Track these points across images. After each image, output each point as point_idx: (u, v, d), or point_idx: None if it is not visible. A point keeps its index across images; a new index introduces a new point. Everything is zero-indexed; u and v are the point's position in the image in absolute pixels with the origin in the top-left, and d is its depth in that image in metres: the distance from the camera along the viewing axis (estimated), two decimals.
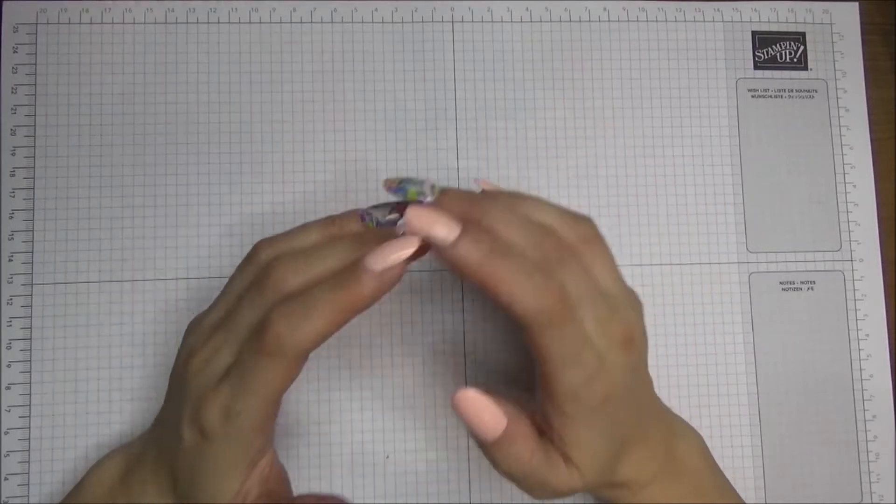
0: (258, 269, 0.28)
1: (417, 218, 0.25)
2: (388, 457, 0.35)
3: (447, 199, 0.27)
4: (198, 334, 0.28)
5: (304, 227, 0.29)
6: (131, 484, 0.30)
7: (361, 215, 0.28)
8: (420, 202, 0.28)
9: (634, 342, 0.27)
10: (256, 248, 0.29)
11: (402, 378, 0.36)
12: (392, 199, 0.29)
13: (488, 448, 0.27)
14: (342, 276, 0.25)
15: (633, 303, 0.28)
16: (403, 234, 0.26)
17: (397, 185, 0.29)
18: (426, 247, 0.26)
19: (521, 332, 0.26)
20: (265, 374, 0.25)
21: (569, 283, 0.25)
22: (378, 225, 0.28)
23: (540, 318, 0.24)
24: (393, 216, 0.28)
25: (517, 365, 0.36)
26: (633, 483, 0.29)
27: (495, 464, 0.27)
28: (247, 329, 0.26)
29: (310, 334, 0.25)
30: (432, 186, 0.28)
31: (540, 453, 0.27)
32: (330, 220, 0.29)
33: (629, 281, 0.37)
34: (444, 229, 0.25)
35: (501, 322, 0.36)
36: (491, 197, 0.28)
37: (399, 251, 0.25)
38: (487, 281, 0.24)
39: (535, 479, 0.27)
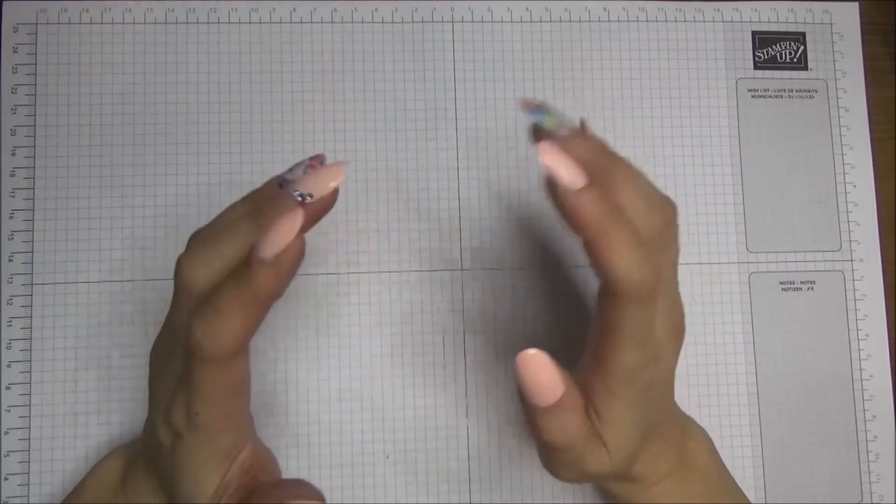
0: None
1: (549, 154, 0.24)
2: (388, 457, 0.35)
3: (578, 144, 0.26)
4: (157, 340, 0.29)
5: (230, 207, 0.28)
6: (129, 484, 0.30)
7: (279, 182, 0.26)
8: (552, 135, 0.26)
9: (682, 336, 0.27)
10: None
11: (401, 378, 0.36)
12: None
13: (538, 414, 0.26)
14: (239, 271, 0.24)
15: (680, 298, 0.28)
16: (299, 197, 0.25)
17: (536, 107, 0.27)
18: (325, 205, 0.25)
19: (602, 299, 0.25)
20: (204, 378, 0.25)
21: (662, 267, 0.25)
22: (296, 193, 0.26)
23: (633, 293, 0.24)
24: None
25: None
26: (645, 479, 0.29)
27: (540, 432, 0.26)
28: (182, 337, 0.26)
29: (225, 337, 0.24)
30: (571, 123, 0.27)
31: (585, 428, 0.26)
32: (252, 194, 0.27)
33: None
34: (571, 174, 0.24)
35: (501, 322, 0.36)
36: (616, 157, 0.27)
37: (285, 231, 0.24)
38: (599, 240, 0.24)
39: (573, 455, 0.27)
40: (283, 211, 0.24)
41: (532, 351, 0.26)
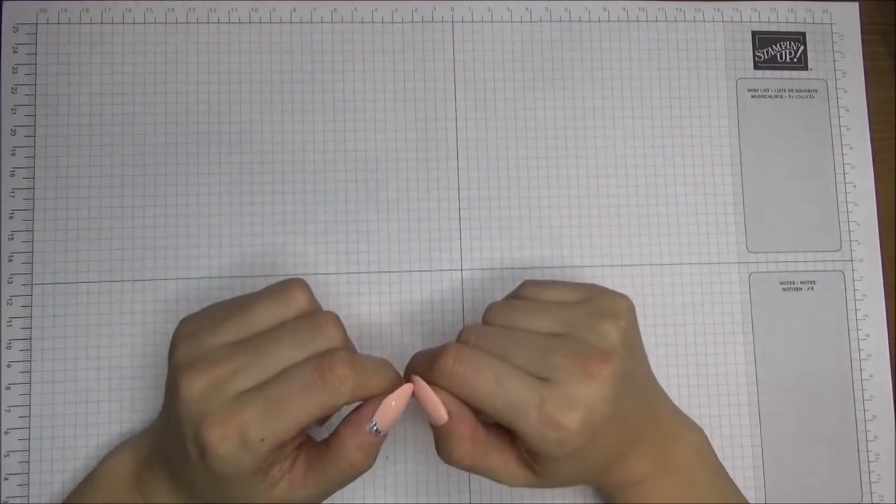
0: (313, 335, 0.28)
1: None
2: (387, 457, 0.35)
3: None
4: (203, 350, 0.27)
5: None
6: (145, 482, 0.30)
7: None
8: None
9: (602, 376, 0.27)
10: (292, 285, 0.29)
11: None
12: None
13: (433, 428, 0.29)
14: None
15: (599, 325, 0.29)
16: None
17: None
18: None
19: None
20: (308, 406, 0.26)
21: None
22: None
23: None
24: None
25: None
26: (621, 484, 0.30)
27: (436, 444, 0.29)
28: (283, 365, 0.26)
29: (372, 384, 0.27)
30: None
31: (473, 454, 0.28)
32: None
33: (630, 281, 0.37)
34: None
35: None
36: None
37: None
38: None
39: (480, 472, 0.29)
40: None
41: (417, 379, 0.28)
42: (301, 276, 0.35)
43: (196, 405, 0.26)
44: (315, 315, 0.28)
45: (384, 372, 0.28)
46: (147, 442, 0.31)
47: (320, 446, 0.28)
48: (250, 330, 0.27)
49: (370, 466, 0.28)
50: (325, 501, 0.29)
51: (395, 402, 0.27)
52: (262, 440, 0.25)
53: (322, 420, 0.31)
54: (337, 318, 0.28)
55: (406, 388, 0.28)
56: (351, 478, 0.28)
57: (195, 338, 0.28)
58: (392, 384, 0.28)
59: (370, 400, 0.28)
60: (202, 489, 0.27)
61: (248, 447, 0.25)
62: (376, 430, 0.27)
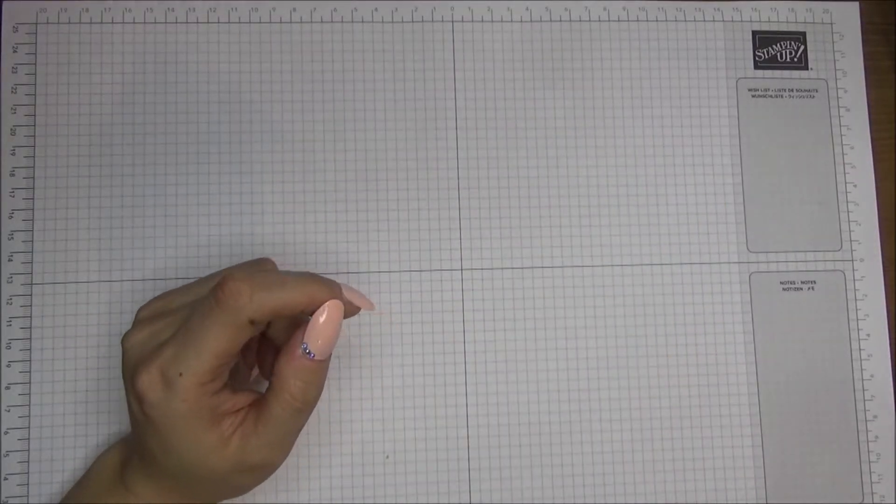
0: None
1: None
2: (387, 457, 0.35)
3: None
4: (143, 318, 0.29)
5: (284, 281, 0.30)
6: (128, 475, 0.30)
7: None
8: None
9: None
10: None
11: (401, 378, 0.36)
12: None
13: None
14: (317, 280, 0.28)
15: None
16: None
17: None
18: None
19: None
20: (216, 333, 0.26)
21: None
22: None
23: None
24: None
25: (516, 364, 0.36)
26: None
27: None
28: (189, 309, 0.28)
29: (271, 299, 0.27)
30: None
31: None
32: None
33: (630, 281, 0.37)
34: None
35: (501, 322, 0.36)
36: None
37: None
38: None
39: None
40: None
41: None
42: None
43: (128, 358, 0.28)
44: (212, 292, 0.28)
45: (294, 283, 0.27)
46: (131, 437, 0.31)
47: (264, 393, 0.29)
48: (175, 300, 0.29)
49: (316, 398, 0.28)
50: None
51: (323, 318, 0.27)
52: (181, 375, 0.26)
53: (249, 358, 0.32)
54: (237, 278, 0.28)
55: (334, 304, 0.28)
56: (300, 414, 0.28)
57: (143, 311, 0.30)
58: (310, 296, 0.27)
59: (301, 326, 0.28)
60: (160, 457, 0.28)
61: (170, 386, 0.26)
62: (309, 352, 0.27)
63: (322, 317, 0.28)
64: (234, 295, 0.26)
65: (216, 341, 0.26)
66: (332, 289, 0.28)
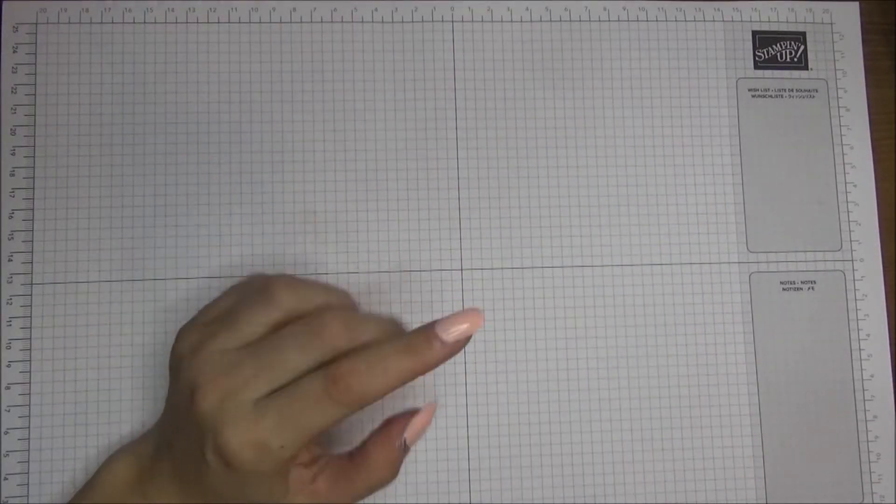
0: (283, 311, 0.28)
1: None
2: None
3: None
4: (210, 362, 0.28)
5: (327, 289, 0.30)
6: (148, 491, 0.29)
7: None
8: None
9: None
10: (274, 286, 0.29)
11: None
12: None
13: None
14: (416, 342, 0.27)
15: None
16: (470, 308, 0.28)
17: None
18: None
19: None
20: (321, 415, 0.26)
21: None
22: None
23: None
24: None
25: (516, 364, 0.36)
26: None
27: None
28: (292, 372, 0.27)
29: (380, 391, 0.27)
30: None
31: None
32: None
33: (630, 281, 0.37)
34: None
35: (501, 321, 0.36)
36: None
37: (468, 325, 0.28)
38: None
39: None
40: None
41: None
42: (301, 276, 0.35)
43: (213, 417, 0.26)
44: (312, 319, 0.28)
45: (397, 359, 0.27)
46: (149, 449, 0.31)
47: (345, 461, 0.29)
48: (245, 338, 0.28)
49: (395, 478, 0.30)
50: None
51: (426, 419, 0.30)
52: (282, 447, 0.26)
53: None
54: (337, 315, 0.28)
55: (432, 405, 0.30)
56: (376, 491, 0.29)
57: (200, 351, 0.28)
58: (413, 372, 0.28)
59: (397, 417, 0.30)
60: (223, 493, 0.28)
61: (270, 453, 0.26)
62: (405, 445, 0.29)
63: (425, 418, 0.30)
64: (349, 393, 0.26)
65: (323, 426, 0.27)
66: (426, 361, 0.28)
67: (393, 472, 0.29)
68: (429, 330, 0.27)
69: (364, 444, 0.29)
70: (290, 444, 0.26)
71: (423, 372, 0.27)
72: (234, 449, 0.26)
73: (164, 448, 0.30)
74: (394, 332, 0.28)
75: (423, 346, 0.27)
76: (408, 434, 0.29)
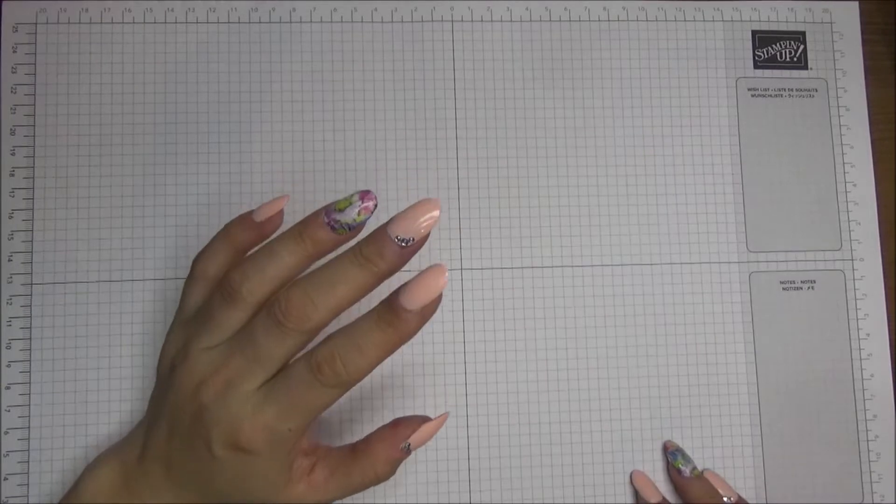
0: (248, 297, 0.28)
1: (638, 478, 0.36)
2: None
3: (693, 484, 0.36)
4: (202, 361, 0.28)
5: (274, 251, 0.28)
6: (140, 493, 0.29)
7: (330, 224, 0.28)
8: (680, 472, 0.36)
9: None
10: (233, 282, 0.28)
11: (401, 378, 0.36)
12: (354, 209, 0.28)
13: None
14: (386, 316, 0.27)
15: None
16: (432, 266, 0.27)
17: (673, 450, 0.36)
18: (419, 247, 0.27)
19: None
20: (318, 399, 0.27)
21: None
22: (350, 229, 0.28)
23: None
24: (362, 217, 0.28)
25: (516, 364, 0.36)
26: None
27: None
28: (277, 360, 0.27)
29: (364, 369, 0.27)
30: (695, 469, 0.36)
31: None
32: (298, 236, 0.28)
33: (630, 281, 0.37)
34: (647, 494, 0.36)
35: (501, 322, 0.36)
36: None
37: (432, 288, 0.27)
38: None
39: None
40: (393, 258, 0.27)
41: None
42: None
43: (218, 410, 0.27)
44: (275, 307, 0.27)
45: (371, 345, 0.27)
46: (134, 452, 0.30)
47: (345, 453, 0.30)
48: (224, 335, 0.28)
49: (389, 479, 0.30)
50: None
51: (435, 428, 0.30)
52: (290, 430, 0.27)
53: None
54: (296, 297, 0.27)
55: (444, 417, 0.30)
56: (369, 487, 0.30)
57: (188, 351, 0.29)
58: (380, 354, 0.27)
59: (407, 419, 0.30)
60: (221, 488, 0.28)
61: (280, 436, 0.27)
62: (408, 448, 0.29)
63: (434, 428, 0.30)
64: (334, 376, 0.27)
65: (321, 404, 0.27)
66: (400, 335, 0.27)
67: (390, 472, 0.30)
68: (395, 302, 0.26)
69: (368, 439, 0.30)
70: (297, 426, 0.27)
71: (401, 344, 0.27)
72: (248, 435, 0.27)
73: (155, 449, 0.29)
74: (357, 287, 0.27)
75: (394, 319, 0.26)
76: (413, 438, 0.29)
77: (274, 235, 0.29)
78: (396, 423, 0.30)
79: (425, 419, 0.30)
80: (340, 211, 0.28)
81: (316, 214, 0.28)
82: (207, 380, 0.28)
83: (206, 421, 0.27)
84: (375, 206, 0.28)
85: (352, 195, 0.28)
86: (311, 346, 0.28)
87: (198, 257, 0.31)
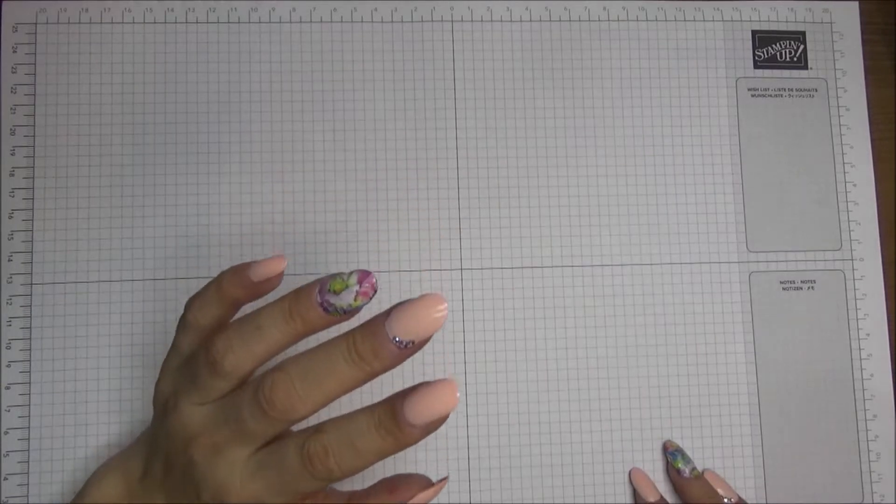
0: (232, 372, 0.27)
1: (636, 476, 0.37)
2: None
3: (692, 484, 0.36)
4: (192, 413, 0.27)
5: (261, 326, 0.27)
6: (148, 492, 0.29)
7: (323, 306, 0.26)
8: (679, 473, 0.36)
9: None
10: (214, 345, 0.27)
11: (401, 378, 0.36)
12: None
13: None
14: (387, 425, 0.25)
15: None
16: (442, 381, 0.25)
17: (673, 450, 0.36)
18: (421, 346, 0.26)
19: None
20: (308, 486, 0.26)
21: None
22: (344, 313, 0.26)
23: None
24: (359, 303, 0.26)
25: (516, 364, 0.36)
26: None
27: None
28: (265, 437, 0.26)
29: (358, 469, 0.26)
30: (695, 469, 0.36)
31: None
32: (288, 314, 0.26)
33: (630, 281, 0.37)
34: (645, 492, 0.36)
35: (501, 322, 0.36)
36: None
37: (440, 407, 0.25)
38: None
39: None
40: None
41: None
42: (301, 276, 0.35)
43: (207, 471, 0.26)
44: (259, 392, 0.26)
45: (367, 449, 0.26)
46: (138, 468, 0.30)
47: (342, 501, 0.29)
48: (212, 397, 0.27)
49: None
50: None
51: (432, 495, 0.28)
52: (279, 502, 0.26)
53: None
54: (280, 385, 0.26)
55: (443, 483, 0.28)
56: None
57: (179, 403, 0.28)
58: (375, 458, 0.26)
59: (406, 480, 0.28)
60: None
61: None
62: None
63: (432, 494, 0.28)
64: (325, 470, 0.25)
65: (309, 489, 0.26)
66: (398, 444, 0.26)
67: None
68: (398, 413, 0.25)
69: (367, 493, 0.28)
70: (286, 500, 0.26)
71: (397, 452, 0.26)
72: (235, 501, 0.26)
73: (153, 478, 0.29)
74: (347, 383, 0.26)
75: (394, 430, 0.25)
76: (412, 502, 0.28)
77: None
78: (395, 486, 0.28)
79: (425, 482, 0.28)
80: (336, 293, 0.26)
81: (309, 291, 0.26)
82: (197, 438, 0.27)
83: (195, 477, 0.27)
84: (375, 292, 0.26)
85: (350, 275, 0.26)
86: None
87: (191, 302, 0.29)
